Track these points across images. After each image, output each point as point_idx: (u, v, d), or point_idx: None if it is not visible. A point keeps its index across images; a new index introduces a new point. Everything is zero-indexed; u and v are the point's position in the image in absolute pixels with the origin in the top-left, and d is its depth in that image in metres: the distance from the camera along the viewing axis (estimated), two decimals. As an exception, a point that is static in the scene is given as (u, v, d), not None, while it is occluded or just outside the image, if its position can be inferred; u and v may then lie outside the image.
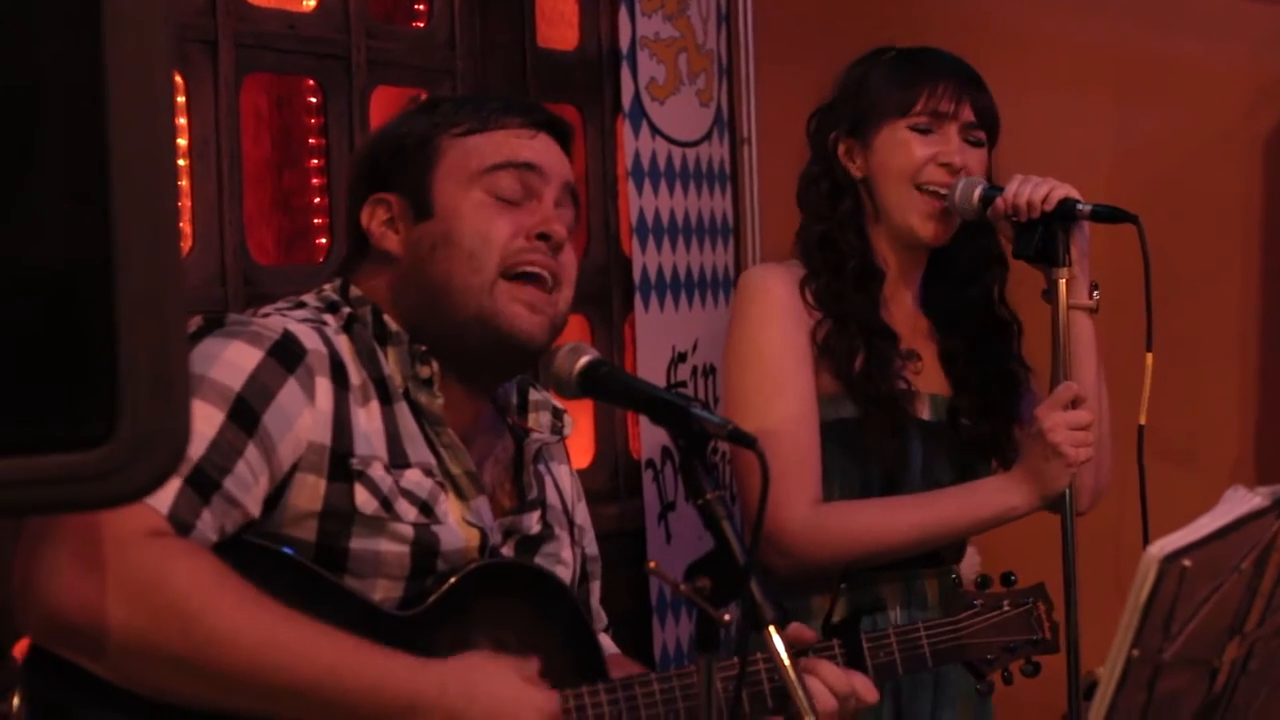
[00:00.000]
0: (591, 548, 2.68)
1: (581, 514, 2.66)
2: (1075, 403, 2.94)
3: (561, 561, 2.55)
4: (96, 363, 1.32)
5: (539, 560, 2.51)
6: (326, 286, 2.48)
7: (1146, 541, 2.79)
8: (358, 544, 2.29)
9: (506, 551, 2.45)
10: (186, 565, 2.12)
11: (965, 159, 3.06)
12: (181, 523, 2.15)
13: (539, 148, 2.47)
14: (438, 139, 2.45)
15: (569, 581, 2.56)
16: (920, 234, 3.08)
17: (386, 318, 2.41)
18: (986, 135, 3.12)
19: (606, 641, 2.68)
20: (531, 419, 2.56)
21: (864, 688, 2.49)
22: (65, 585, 2.08)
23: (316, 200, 3.67)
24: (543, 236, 2.41)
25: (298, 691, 2.15)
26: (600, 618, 2.69)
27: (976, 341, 3.16)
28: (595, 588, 2.68)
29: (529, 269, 2.40)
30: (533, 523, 2.51)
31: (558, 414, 2.59)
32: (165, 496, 2.14)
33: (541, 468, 2.57)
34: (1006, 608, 2.76)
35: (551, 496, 2.57)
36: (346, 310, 2.42)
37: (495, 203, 2.41)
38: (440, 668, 2.23)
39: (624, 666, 2.58)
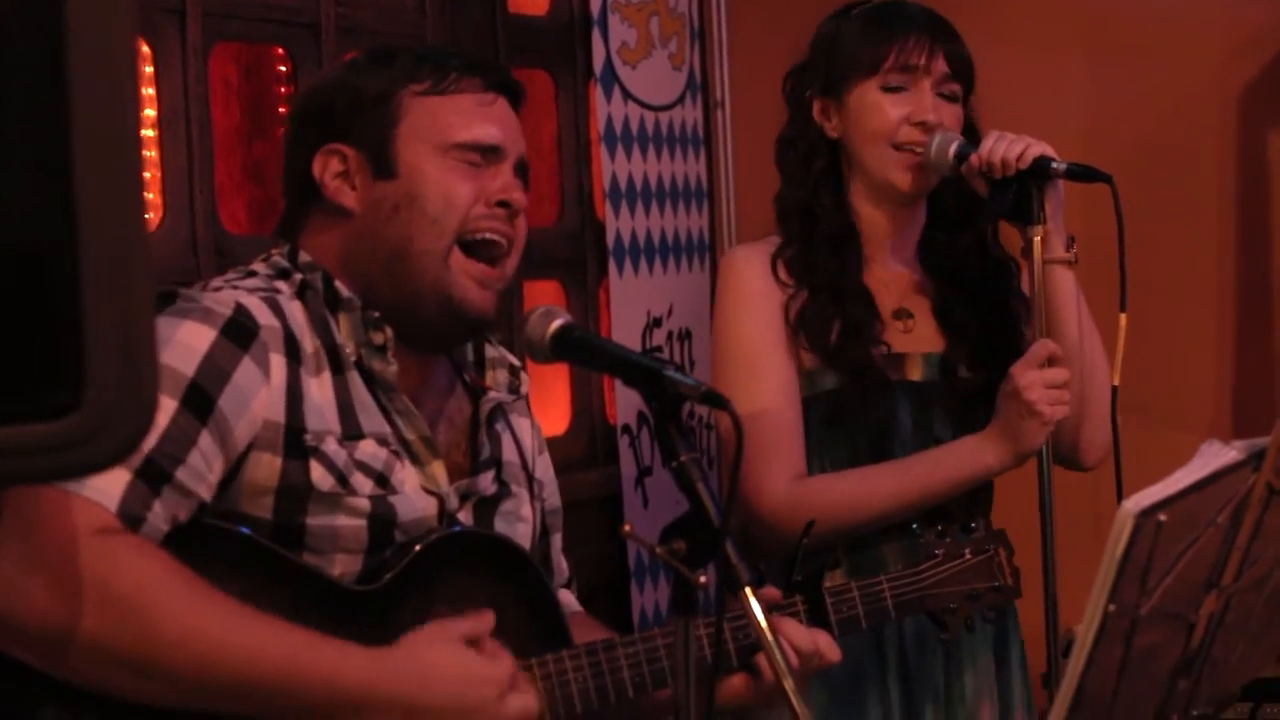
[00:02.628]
0: (553, 501, 2.67)
1: (542, 468, 2.64)
2: (1052, 360, 2.93)
3: (521, 519, 2.54)
4: (62, 332, 1.31)
5: (498, 520, 2.50)
6: (274, 252, 2.45)
7: (1121, 499, 2.79)
8: (314, 520, 2.27)
9: (464, 515, 2.44)
10: (134, 564, 2.10)
11: (940, 115, 3.04)
12: (132, 516, 2.13)
13: (500, 117, 2.45)
14: (399, 94, 2.42)
15: (530, 538, 2.55)
16: (900, 187, 3.06)
17: (338, 284, 2.39)
18: (962, 87, 3.10)
19: (569, 598, 2.68)
20: (489, 376, 2.55)
21: (827, 646, 2.50)
22: (9, 588, 2.05)
23: (288, 169, 3.64)
24: (503, 204, 2.41)
25: (251, 690, 2.15)
26: (562, 571, 2.69)
27: (974, 287, 3.15)
28: (556, 540, 2.68)
29: (488, 235, 2.40)
30: (488, 483, 2.49)
31: (514, 371, 2.57)
32: (114, 491, 2.12)
33: (499, 426, 2.56)
34: (968, 556, 2.76)
35: (509, 453, 2.56)
36: (299, 276, 2.39)
37: (458, 166, 2.40)
38: (393, 657, 2.22)
39: (586, 626, 2.58)
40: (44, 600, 2.06)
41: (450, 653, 2.26)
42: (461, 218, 2.39)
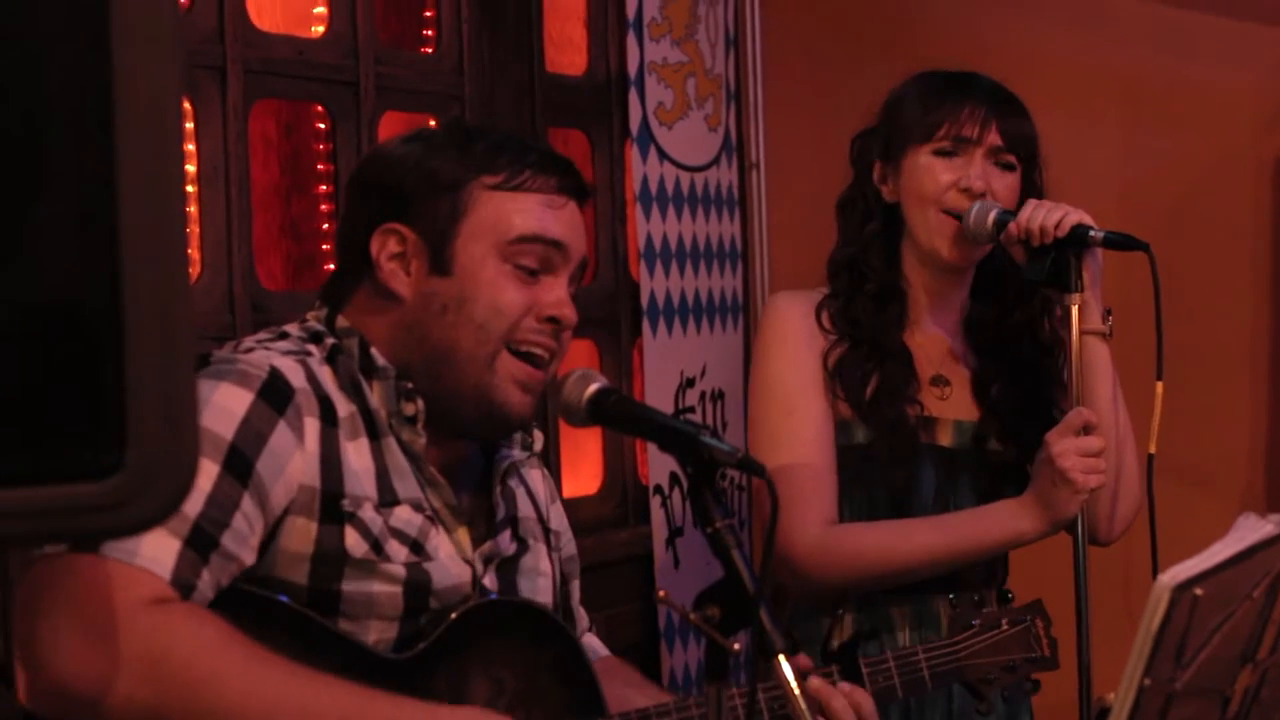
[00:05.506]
0: (569, 549, 2.67)
1: (556, 517, 2.64)
2: (1087, 429, 2.92)
3: (541, 573, 2.54)
4: (106, 392, 1.31)
5: (520, 578, 2.50)
6: (310, 315, 2.44)
7: (1156, 568, 2.78)
8: (350, 586, 2.27)
9: (489, 579, 2.43)
10: (191, 632, 2.11)
11: (989, 183, 3.05)
12: (184, 585, 2.14)
13: (566, 220, 2.42)
14: (470, 185, 2.38)
15: (551, 591, 2.55)
16: (944, 256, 3.08)
17: (374, 351, 2.37)
18: (1020, 158, 3.11)
19: (594, 643, 2.69)
20: None
21: (869, 713, 2.48)
22: (70, 656, 2.06)
23: (325, 226, 3.67)
24: (552, 320, 2.40)
25: None
26: (581, 619, 2.69)
27: (1017, 366, 3.15)
28: (575, 588, 2.67)
29: (533, 350, 2.39)
30: (507, 543, 2.49)
31: (527, 429, 2.56)
32: (167, 560, 2.12)
33: (513, 482, 2.55)
34: (1005, 626, 2.76)
35: (524, 509, 2.56)
36: (330, 341, 2.38)
37: (514, 273, 2.37)
38: (449, 713, 2.23)
39: (618, 676, 2.58)
40: (100, 671, 2.06)
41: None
42: (509, 327, 2.36)
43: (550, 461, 3.89)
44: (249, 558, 2.21)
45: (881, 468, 3.05)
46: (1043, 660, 2.79)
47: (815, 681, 2.43)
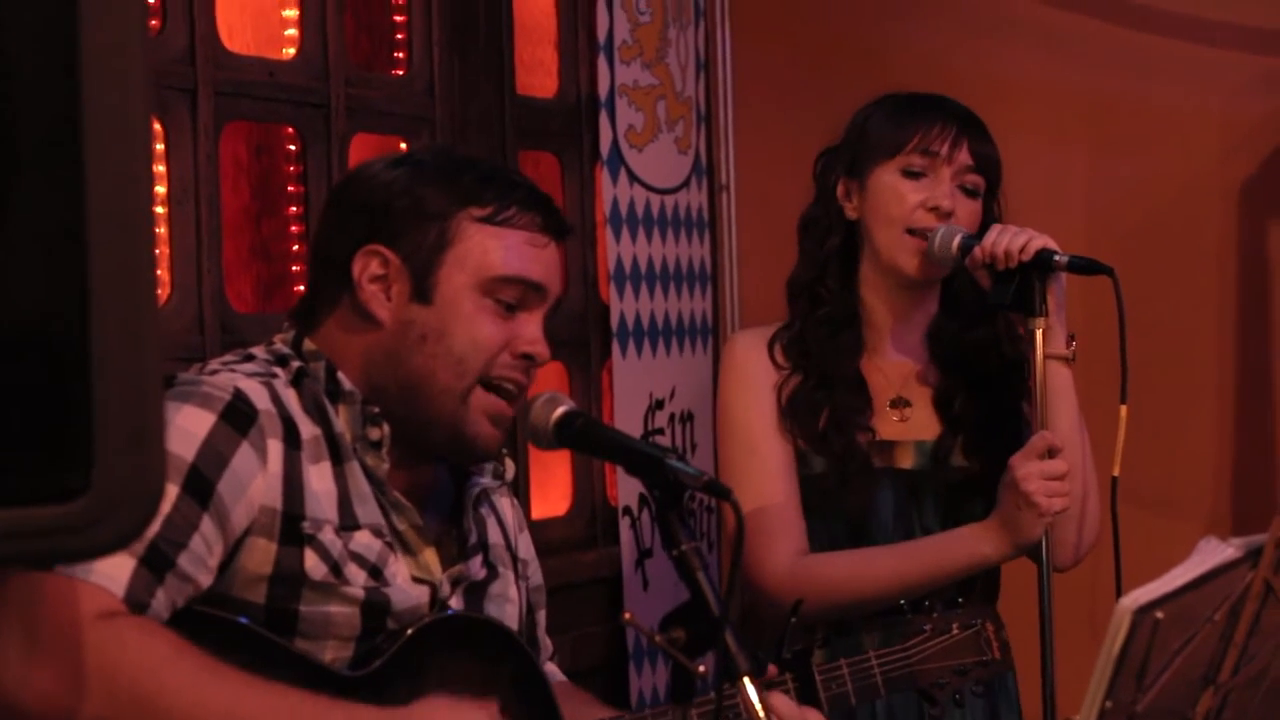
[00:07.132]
0: (536, 578, 2.68)
1: (524, 546, 2.65)
2: (1051, 452, 2.94)
3: (509, 599, 2.54)
4: (72, 414, 1.31)
5: (488, 603, 2.50)
6: (277, 339, 2.44)
7: (1120, 591, 2.80)
8: (307, 607, 2.28)
9: (455, 601, 2.44)
10: (140, 645, 2.11)
11: (956, 204, 3.07)
12: (137, 603, 2.14)
13: (548, 261, 2.43)
14: (457, 216, 2.38)
15: (517, 618, 2.56)
16: (907, 272, 3.09)
17: (340, 375, 2.38)
18: (985, 182, 3.12)
19: (552, 669, 2.69)
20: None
21: None
22: (19, 674, 2.06)
23: (295, 248, 3.67)
24: (526, 356, 2.41)
25: None
26: (546, 647, 2.70)
27: (982, 381, 3.16)
28: (541, 617, 2.69)
29: (505, 385, 2.40)
30: (477, 568, 2.50)
31: (498, 459, 2.56)
32: (121, 577, 2.12)
33: (484, 509, 2.56)
34: (955, 630, 2.79)
35: (494, 535, 2.56)
36: (296, 364, 2.38)
37: (493, 307, 2.38)
38: (405, 714, 2.24)
39: (574, 698, 2.60)
40: (51, 686, 2.06)
41: (464, 713, 2.28)
42: (486, 362, 2.37)
43: (519, 482, 3.89)
44: (206, 579, 2.22)
45: (835, 497, 3.07)
46: (994, 663, 2.82)
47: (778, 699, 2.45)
